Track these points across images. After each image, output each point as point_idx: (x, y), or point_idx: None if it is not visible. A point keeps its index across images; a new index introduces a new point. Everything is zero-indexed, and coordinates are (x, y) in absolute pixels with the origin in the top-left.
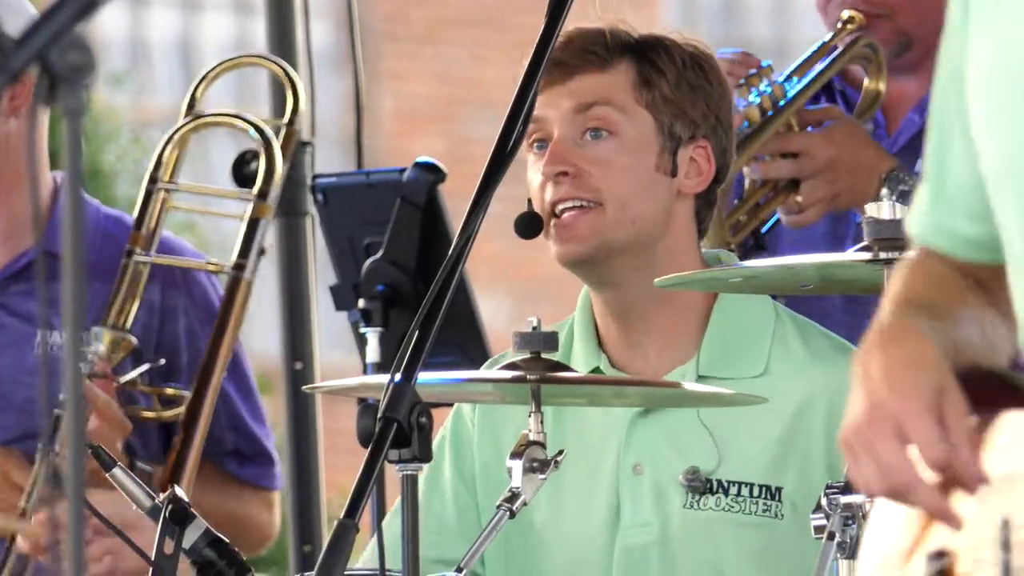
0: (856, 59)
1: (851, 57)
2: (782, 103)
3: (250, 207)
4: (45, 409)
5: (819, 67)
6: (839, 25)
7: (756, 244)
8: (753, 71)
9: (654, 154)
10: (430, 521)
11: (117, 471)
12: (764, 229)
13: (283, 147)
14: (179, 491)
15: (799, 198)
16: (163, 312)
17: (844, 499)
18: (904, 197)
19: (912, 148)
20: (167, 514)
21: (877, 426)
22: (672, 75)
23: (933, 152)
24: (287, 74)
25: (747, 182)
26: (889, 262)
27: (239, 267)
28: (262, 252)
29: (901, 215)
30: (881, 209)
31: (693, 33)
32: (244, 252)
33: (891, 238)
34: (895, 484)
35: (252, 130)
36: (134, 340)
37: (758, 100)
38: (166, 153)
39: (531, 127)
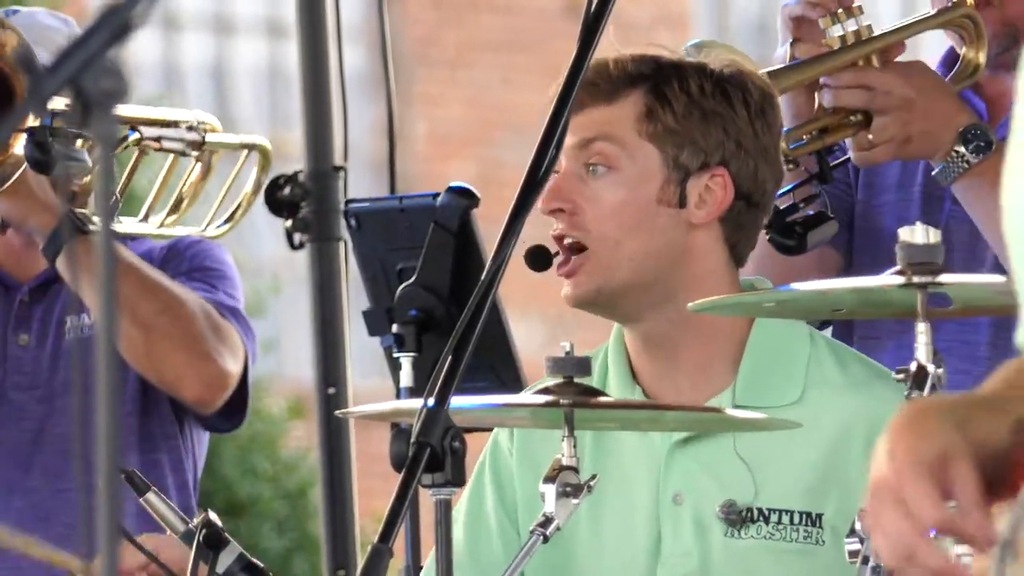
0: (952, 25)
1: (947, 21)
2: (864, 40)
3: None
4: (77, 390)
5: (911, 20)
6: (947, 3)
7: (820, 175)
8: (842, 8)
9: (655, 187)
10: (472, 554)
11: (151, 496)
12: (833, 163)
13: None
14: (212, 516)
15: (870, 135)
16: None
17: None
18: (979, 152)
19: None
20: (201, 539)
21: (879, 498)
22: (680, 105)
23: None
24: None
25: (816, 106)
26: (923, 286)
27: None
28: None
29: (935, 239)
30: (914, 233)
31: None
32: None
33: (925, 262)
34: (901, 552)
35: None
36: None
37: (841, 33)
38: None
39: None
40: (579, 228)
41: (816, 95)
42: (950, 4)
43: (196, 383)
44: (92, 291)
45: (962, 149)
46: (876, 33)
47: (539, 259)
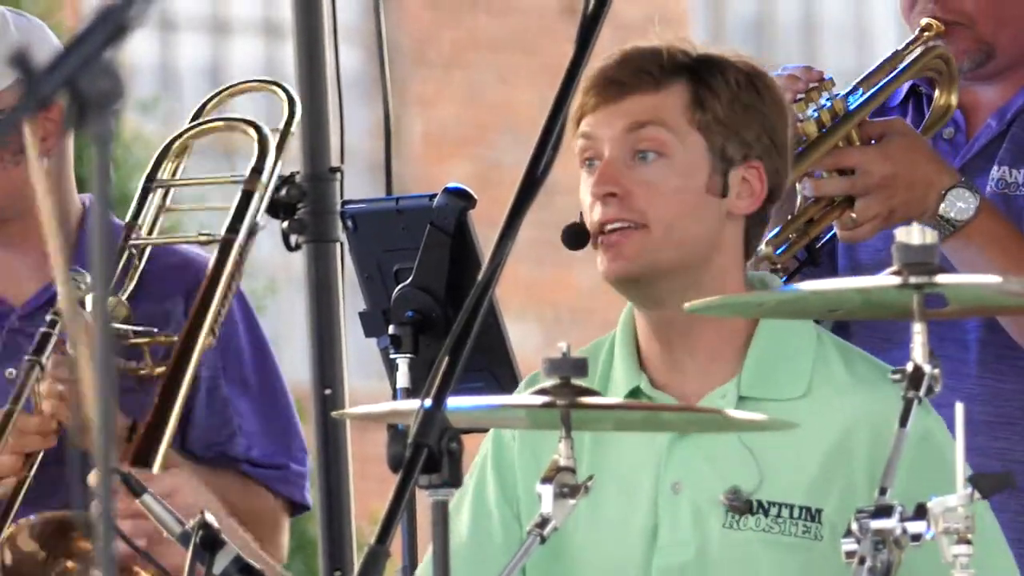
0: (927, 71)
1: (921, 68)
2: (841, 117)
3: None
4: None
5: (886, 79)
6: (917, 32)
7: (809, 259)
8: (814, 85)
9: (704, 175)
10: (477, 547)
11: (147, 497)
12: (819, 243)
13: (278, 147)
14: (209, 517)
15: (853, 215)
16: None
17: (874, 524)
18: (963, 213)
19: (987, 153)
20: (197, 540)
21: None
22: (726, 96)
23: None
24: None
25: (799, 199)
26: (919, 287)
27: (229, 238)
28: (254, 230)
29: (931, 240)
30: (911, 234)
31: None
32: (235, 223)
33: (921, 263)
34: None
35: (251, 130)
36: (127, 305)
37: (816, 115)
38: (166, 158)
39: (583, 144)
40: (633, 211)
41: (796, 185)
42: (924, 50)
43: None
44: None
45: (944, 208)
46: (844, 92)
47: (577, 236)
